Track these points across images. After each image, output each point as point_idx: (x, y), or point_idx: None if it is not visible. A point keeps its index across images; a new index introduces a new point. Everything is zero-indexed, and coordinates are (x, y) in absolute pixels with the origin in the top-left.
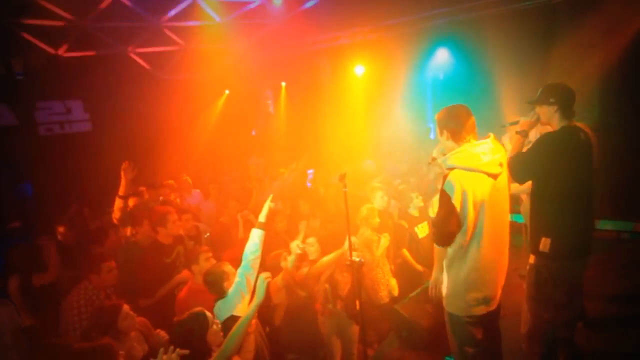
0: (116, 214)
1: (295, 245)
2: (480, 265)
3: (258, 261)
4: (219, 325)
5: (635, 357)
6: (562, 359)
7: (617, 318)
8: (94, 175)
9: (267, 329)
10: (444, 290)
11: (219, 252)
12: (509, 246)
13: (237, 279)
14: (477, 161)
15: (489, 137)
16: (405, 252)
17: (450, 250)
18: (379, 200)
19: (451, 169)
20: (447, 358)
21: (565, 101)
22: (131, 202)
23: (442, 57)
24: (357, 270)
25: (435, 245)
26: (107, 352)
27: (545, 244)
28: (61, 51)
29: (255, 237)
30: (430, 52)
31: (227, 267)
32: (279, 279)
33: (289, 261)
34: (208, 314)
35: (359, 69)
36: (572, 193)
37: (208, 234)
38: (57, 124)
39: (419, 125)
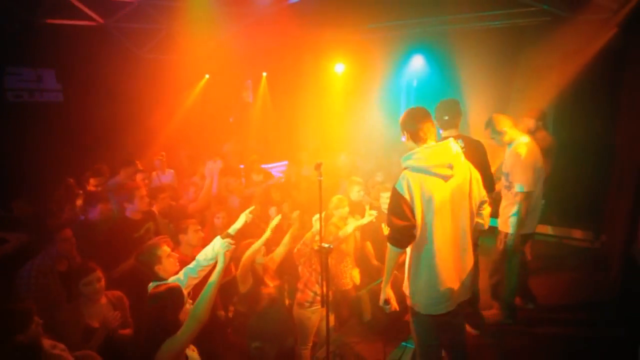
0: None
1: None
2: (434, 263)
3: (207, 271)
4: (191, 304)
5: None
6: None
7: (547, 318)
8: (61, 147)
9: (230, 313)
10: (407, 290)
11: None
12: (470, 247)
13: (180, 276)
14: (427, 163)
15: (447, 140)
16: (369, 245)
17: (408, 249)
18: (355, 193)
19: (405, 168)
20: (403, 344)
21: (453, 113)
22: (92, 182)
23: (417, 63)
24: (325, 256)
25: (390, 249)
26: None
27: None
28: (36, 17)
29: (217, 245)
30: (406, 57)
31: (161, 250)
32: (247, 266)
33: (258, 253)
34: (184, 290)
35: (339, 67)
36: None
37: None
38: (27, 91)
39: (392, 127)
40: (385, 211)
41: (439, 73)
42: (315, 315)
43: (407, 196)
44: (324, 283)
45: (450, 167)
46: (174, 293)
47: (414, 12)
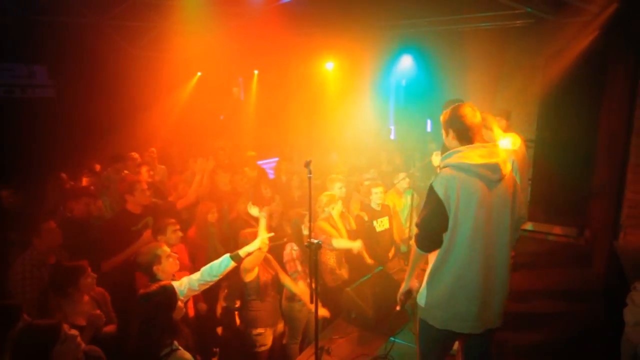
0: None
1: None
2: (461, 274)
3: (208, 286)
4: (184, 302)
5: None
6: None
7: (530, 313)
8: (52, 142)
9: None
10: (422, 300)
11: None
12: (507, 266)
13: (180, 287)
14: (472, 161)
15: (492, 145)
16: (360, 242)
17: (434, 254)
18: (337, 190)
19: (445, 167)
20: (391, 339)
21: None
22: (84, 181)
23: (406, 63)
24: (314, 251)
25: (416, 249)
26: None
27: None
28: (29, 13)
29: (225, 264)
30: (395, 57)
31: (161, 250)
32: (252, 257)
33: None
34: (175, 289)
35: (329, 66)
36: None
37: None
38: (19, 87)
39: (382, 125)
40: (377, 207)
41: (427, 73)
42: (305, 308)
43: (442, 197)
44: (313, 279)
45: (497, 171)
46: (166, 292)
47: (403, 13)
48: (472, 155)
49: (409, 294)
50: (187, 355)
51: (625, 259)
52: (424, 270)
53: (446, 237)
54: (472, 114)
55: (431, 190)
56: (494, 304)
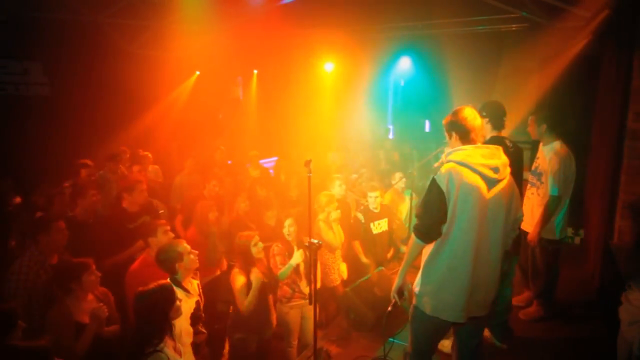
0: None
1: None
2: (453, 265)
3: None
4: (181, 302)
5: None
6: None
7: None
8: (47, 141)
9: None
10: (417, 287)
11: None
12: (498, 263)
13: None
14: (475, 160)
15: (495, 147)
16: (357, 244)
17: (429, 246)
18: (337, 188)
19: (448, 162)
20: (390, 340)
21: (495, 114)
22: (82, 173)
23: (405, 65)
24: (314, 252)
25: (414, 240)
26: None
27: None
28: (24, 10)
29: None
30: (394, 59)
31: (182, 247)
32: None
33: (258, 248)
34: (174, 287)
35: (329, 66)
36: None
37: (162, 211)
38: (12, 84)
39: (380, 125)
40: (375, 210)
41: (425, 74)
42: (293, 311)
43: (444, 189)
44: (313, 279)
45: (497, 171)
46: (165, 291)
47: (402, 16)
48: (476, 154)
49: (402, 292)
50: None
51: (620, 259)
52: (416, 268)
53: (444, 228)
54: (473, 117)
55: (433, 182)
56: (482, 297)
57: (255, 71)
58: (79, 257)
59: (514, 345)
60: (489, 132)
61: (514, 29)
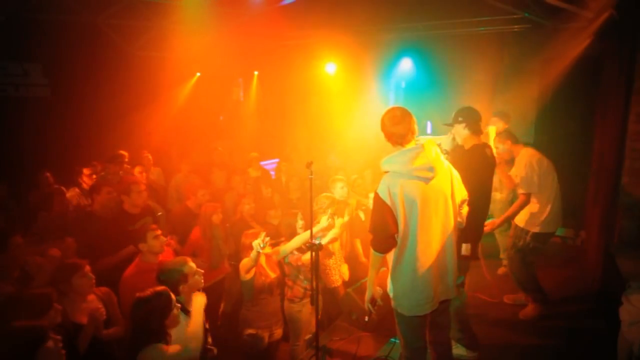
0: None
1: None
2: (417, 266)
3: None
4: (179, 309)
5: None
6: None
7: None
8: (47, 142)
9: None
10: (391, 292)
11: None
12: (454, 246)
13: None
14: (408, 166)
15: (420, 141)
16: (358, 242)
17: (391, 253)
18: (339, 190)
19: (386, 172)
20: (392, 340)
21: (471, 119)
22: (85, 172)
23: (406, 66)
24: (316, 252)
25: (373, 253)
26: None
27: (466, 248)
28: (24, 12)
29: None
30: (395, 60)
31: (187, 267)
32: (251, 258)
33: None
34: (172, 295)
35: (330, 67)
36: (478, 202)
37: (160, 213)
38: (12, 85)
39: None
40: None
41: (427, 75)
42: (305, 309)
43: (388, 202)
44: (314, 279)
45: (431, 169)
46: (162, 298)
47: (403, 17)
48: (408, 159)
49: (375, 301)
50: None
51: (620, 259)
52: (386, 271)
53: (398, 237)
54: (402, 116)
55: (377, 196)
56: (448, 283)
57: (256, 72)
58: (84, 255)
59: (515, 346)
60: (468, 138)
61: (516, 30)
